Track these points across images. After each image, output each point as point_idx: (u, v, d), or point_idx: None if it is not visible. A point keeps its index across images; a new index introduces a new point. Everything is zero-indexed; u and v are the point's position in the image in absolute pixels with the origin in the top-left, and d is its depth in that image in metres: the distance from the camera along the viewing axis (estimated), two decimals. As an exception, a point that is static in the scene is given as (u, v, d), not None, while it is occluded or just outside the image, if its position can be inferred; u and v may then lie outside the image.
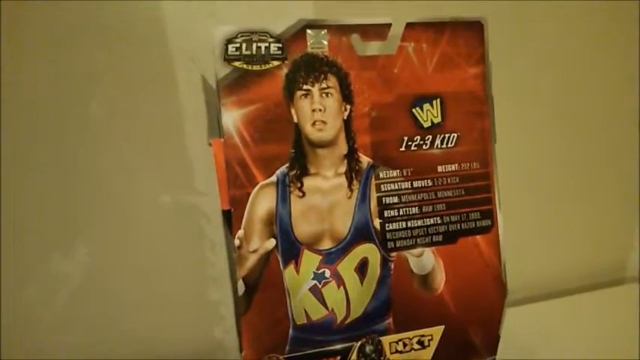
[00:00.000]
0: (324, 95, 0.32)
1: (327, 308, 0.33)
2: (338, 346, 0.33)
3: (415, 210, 0.34)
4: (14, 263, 0.38)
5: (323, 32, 0.32)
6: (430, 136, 0.34)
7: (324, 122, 0.32)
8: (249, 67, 0.30)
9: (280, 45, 0.31)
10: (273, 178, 0.31)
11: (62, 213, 0.39)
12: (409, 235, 0.34)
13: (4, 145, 0.37)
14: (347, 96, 0.32)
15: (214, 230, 0.41)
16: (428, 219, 0.34)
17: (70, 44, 0.37)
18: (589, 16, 0.50)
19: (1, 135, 0.37)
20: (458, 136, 0.34)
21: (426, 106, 0.34)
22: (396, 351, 0.34)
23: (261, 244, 0.31)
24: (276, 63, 0.31)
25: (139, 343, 0.42)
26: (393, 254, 0.33)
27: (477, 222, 0.35)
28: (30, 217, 0.38)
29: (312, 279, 0.32)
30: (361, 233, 0.33)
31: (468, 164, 0.35)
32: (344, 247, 0.33)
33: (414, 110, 0.33)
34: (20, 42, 0.36)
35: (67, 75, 0.37)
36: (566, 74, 0.50)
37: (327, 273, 0.32)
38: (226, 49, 0.30)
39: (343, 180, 0.33)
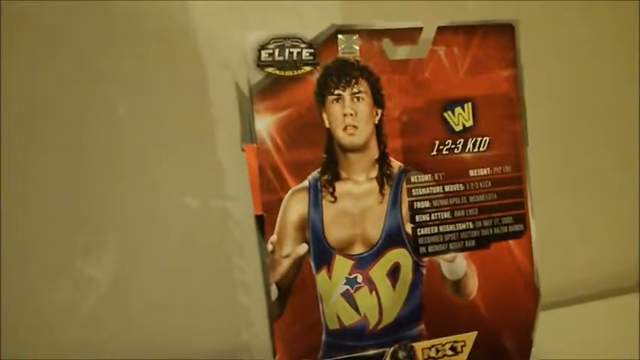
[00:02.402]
0: (355, 100, 0.32)
1: (359, 313, 0.33)
2: (371, 352, 0.33)
3: (447, 215, 0.33)
4: (40, 269, 0.39)
5: (354, 37, 0.32)
6: (462, 140, 0.34)
7: (355, 127, 0.32)
8: (282, 73, 0.31)
9: (312, 50, 0.31)
10: (305, 183, 0.32)
11: (89, 217, 0.39)
12: (441, 240, 0.33)
13: (28, 145, 0.38)
14: (378, 100, 0.32)
15: (243, 235, 0.41)
16: (460, 224, 0.34)
17: (102, 51, 0.38)
18: (625, 19, 0.49)
19: (25, 135, 0.37)
20: (490, 139, 0.34)
21: (458, 109, 0.33)
22: (429, 357, 0.34)
23: (294, 249, 0.31)
24: (308, 68, 0.31)
25: (165, 348, 0.42)
26: (425, 259, 0.33)
27: (510, 227, 0.34)
28: (56, 221, 0.39)
29: (345, 284, 0.32)
30: (393, 238, 0.33)
31: (500, 168, 0.34)
32: (376, 252, 0.32)
33: (445, 114, 0.33)
34: (49, 45, 0.37)
35: (95, 82, 0.38)
36: (600, 76, 0.50)
37: (359, 278, 0.32)
38: (259, 55, 0.30)
39: (375, 185, 0.33)
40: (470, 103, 0.34)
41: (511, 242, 0.34)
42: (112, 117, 0.38)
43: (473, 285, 0.34)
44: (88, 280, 0.40)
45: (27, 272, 0.39)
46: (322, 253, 0.32)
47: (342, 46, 0.31)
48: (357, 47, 0.32)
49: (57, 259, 0.39)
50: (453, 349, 0.34)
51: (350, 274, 0.32)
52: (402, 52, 0.33)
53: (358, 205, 0.32)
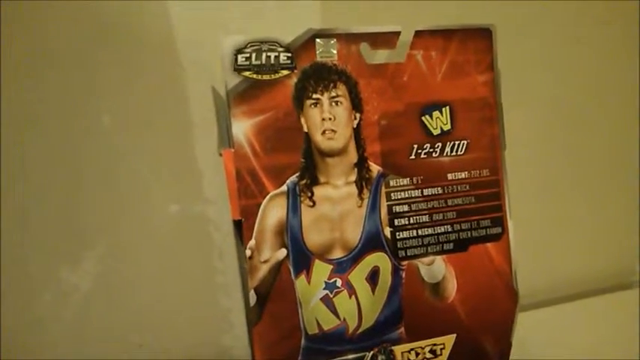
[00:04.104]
0: (333, 104, 0.32)
1: (338, 318, 0.32)
2: (350, 356, 0.33)
3: (425, 218, 0.34)
4: (24, 273, 0.38)
5: (332, 41, 0.31)
6: (440, 144, 0.34)
7: (333, 131, 0.32)
8: (259, 77, 0.30)
9: (290, 54, 0.31)
10: (284, 188, 0.31)
11: (71, 223, 0.39)
12: (420, 243, 0.33)
13: (14, 155, 0.37)
14: (356, 104, 0.32)
15: (223, 239, 0.41)
16: (438, 227, 0.34)
17: (80, 56, 0.37)
18: (600, 22, 0.50)
19: (11, 145, 0.37)
20: (467, 143, 0.34)
21: (436, 113, 0.34)
22: (408, 360, 0.34)
23: (273, 254, 0.31)
24: (285, 72, 0.31)
25: (147, 352, 0.42)
26: (404, 263, 0.33)
27: (488, 229, 0.35)
28: (39, 227, 0.38)
29: (324, 288, 0.32)
30: (372, 242, 0.33)
31: (478, 171, 0.34)
32: (355, 256, 0.32)
33: (423, 118, 0.33)
34: (31, 54, 0.36)
35: (77, 86, 0.37)
36: (576, 80, 0.50)
37: (339, 282, 0.32)
38: (236, 59, 0.30)
39: (353, 189, 0.32)
40: (448, 107, 0.34)
41: (489, 245, 0.35)
42: (94, 123, 0.38)
43: (452, 288, 0.34)
44: (73, 285, 0.39)
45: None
46: (301, 257, 0.32)
47: (320, 50, 0.31)
48: (335, 51, 0.32)
49: (41, 266, 0.39)
50: (432, 352, 0.34)
51: (329, 279, 0.32)
52: (380, 56, 0.33)
53: (337, 209, 0.32)
